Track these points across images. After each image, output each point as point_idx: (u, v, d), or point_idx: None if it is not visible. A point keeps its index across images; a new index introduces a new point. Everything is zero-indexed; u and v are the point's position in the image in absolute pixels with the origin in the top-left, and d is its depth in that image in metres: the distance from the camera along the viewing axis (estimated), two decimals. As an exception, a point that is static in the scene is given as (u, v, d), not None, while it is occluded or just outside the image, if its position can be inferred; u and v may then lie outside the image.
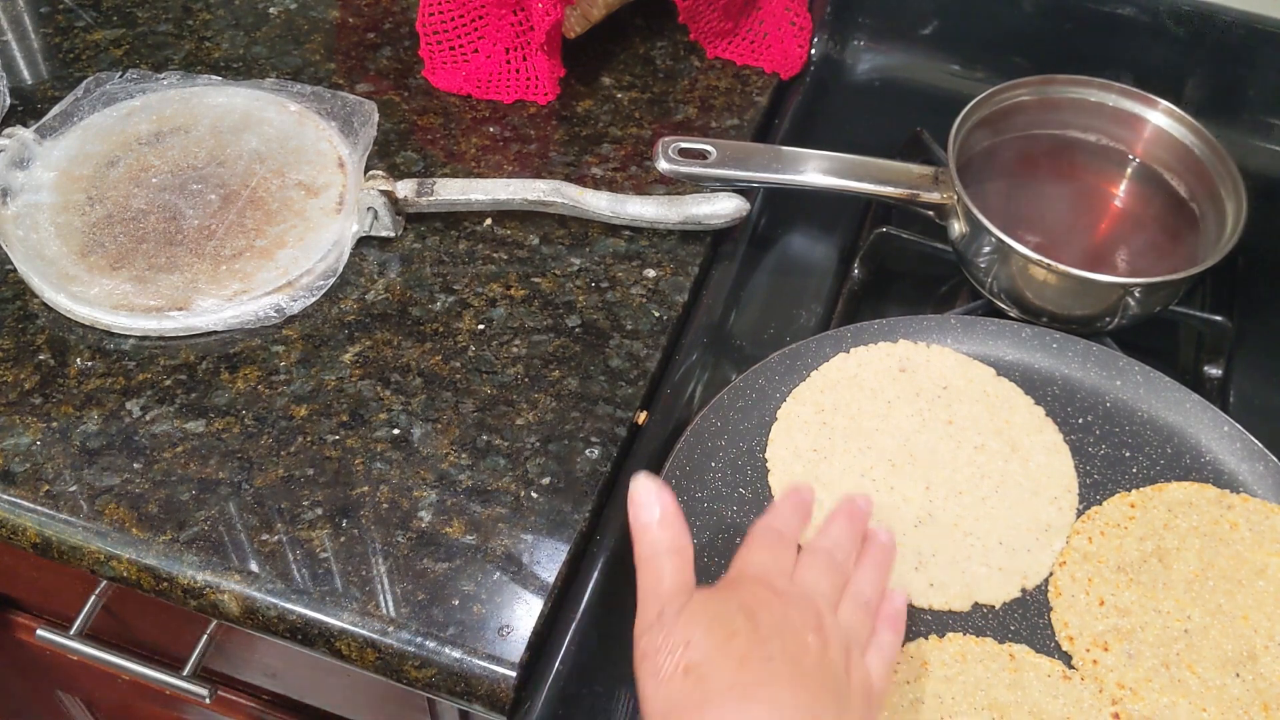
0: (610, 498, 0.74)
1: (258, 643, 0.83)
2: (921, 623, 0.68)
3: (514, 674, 0.65)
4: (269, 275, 0.81)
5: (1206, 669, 0.66)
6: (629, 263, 0.85)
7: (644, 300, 0.82)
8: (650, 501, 0.59)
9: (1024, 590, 0.70)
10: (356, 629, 0.67)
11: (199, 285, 0.80)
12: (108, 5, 1.02)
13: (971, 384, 0.79)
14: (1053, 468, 0.75)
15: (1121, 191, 0.90)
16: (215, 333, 0.79)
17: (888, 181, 0.86)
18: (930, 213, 0.86)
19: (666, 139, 0.85)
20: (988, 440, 0.76)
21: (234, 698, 0.94)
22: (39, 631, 0.84)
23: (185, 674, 0.82)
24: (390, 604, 0.67)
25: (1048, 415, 0.77)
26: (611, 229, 0.86)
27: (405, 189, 0.84)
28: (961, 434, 0.76)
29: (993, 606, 0.69)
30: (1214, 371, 0.86)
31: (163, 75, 0.94)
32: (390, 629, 0.67)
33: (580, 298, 0.82)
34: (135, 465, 0.73)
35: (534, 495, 0.72)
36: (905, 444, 0.76)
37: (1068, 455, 0.76)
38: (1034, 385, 0.79)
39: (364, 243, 0.85)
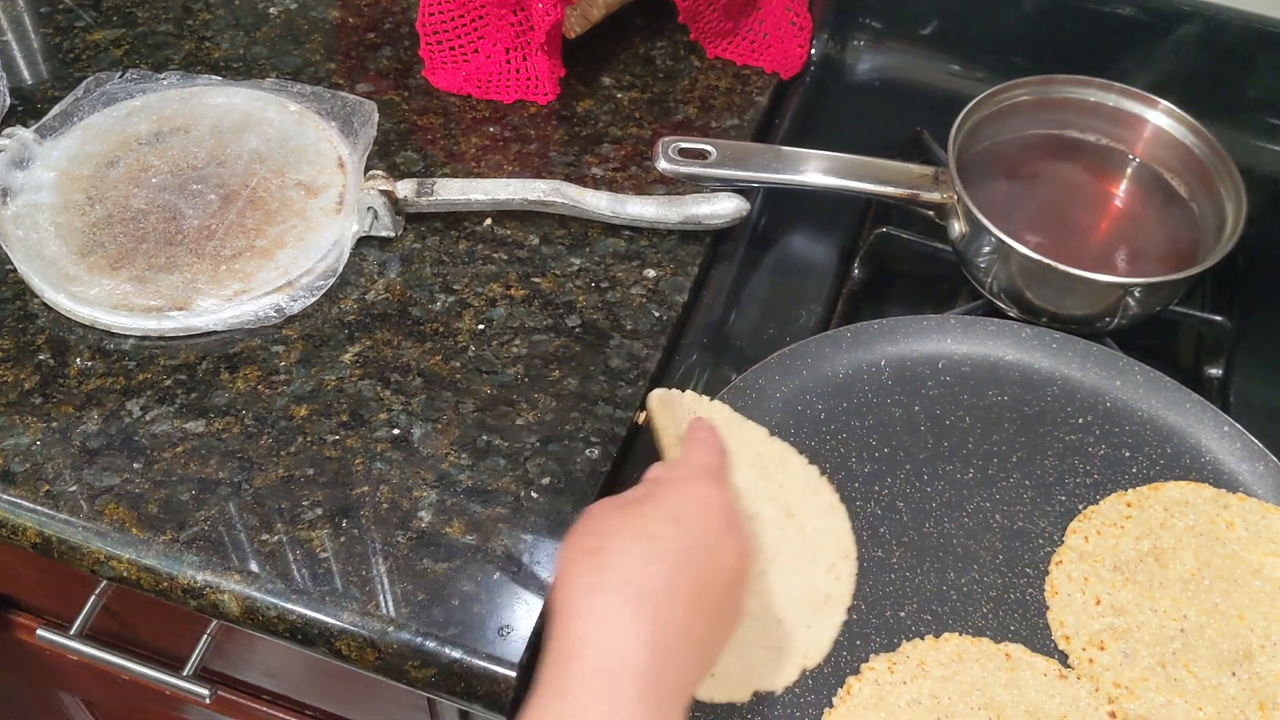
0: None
1: (258, 643, 0.83)
2: (921, 623, 0.68)
3: (514, 674, 0.66)
4: (269, 275, 0.81)
5: (1202, 668, 0.66)
6: (629, 263, 0.85)
7: (644, 300, 0.83)
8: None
9: (804, 671, 0.66)
10: (356, 629, 0.67)
11: (199, 285, 0.80)
12: (108, 5, 1.02)
13: (746, 446, 0.73)
14: (829, 531, 0.71)
15: (1121, 191, 0.90)
16: (215, 333, 0.79)
17: (888, 181, 0.86)
18: (930, 213, 0.86)
19: (666, 139, 0.85)
20: (762, 508, 0.71)
21: (234, 698, 0.94)
22: (39, 631, 0.84)
23: (185, 674, 0.82)
24: (390, 604, 0.67)
25: (822, 475, 0.73)
26: (611, 229, 0.86)
27: (405, 189, 0.84)
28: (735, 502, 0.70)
29: (773, 693, 0.65)
30: (1214, 371, 0.86)
31: (163, 75, 0.94)
32: (390, 629, 0.67)
33: (580, 298, 0.82)
34: (135, 465, 0.73)
35: (534, 495, 0.72)
36: None
37: (844, 517, 0.72)
38: (1034, 385, 0.79)
39: (364, 243, 0.85)
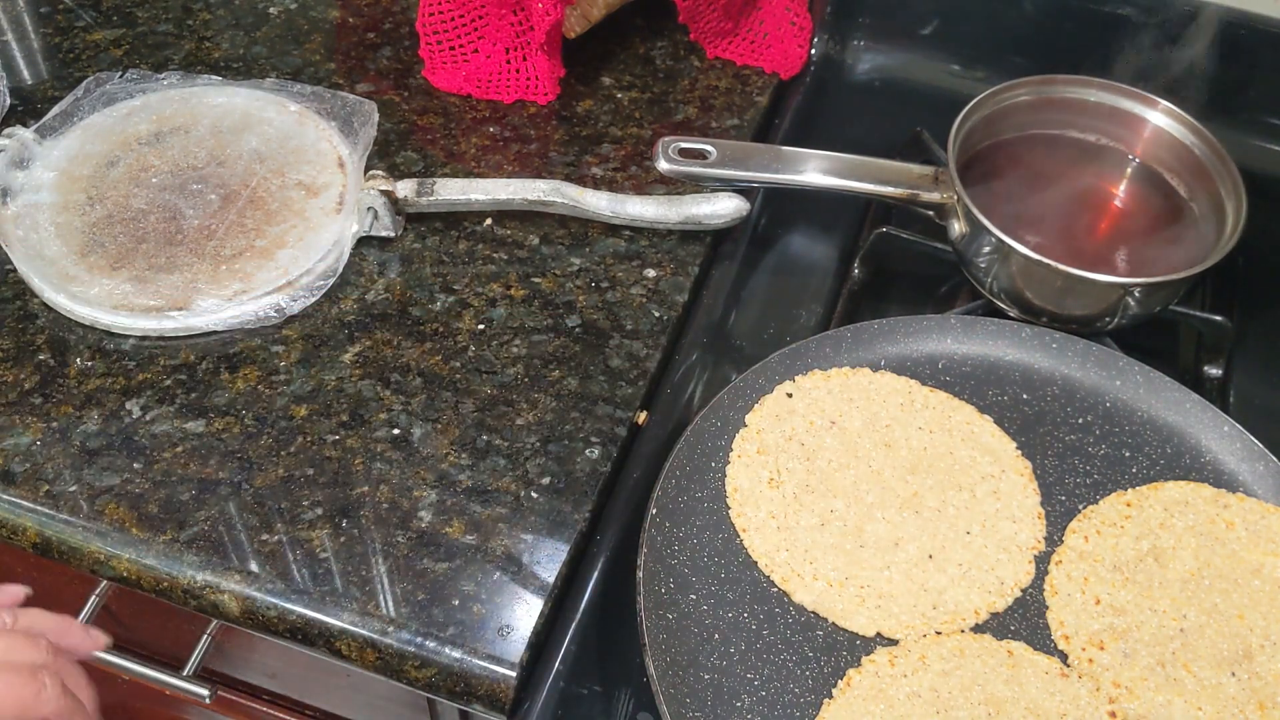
0: (610, 498, 0.74)
1: (258, 643, 0.83)
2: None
3: (514, 674, 0.66)
4: (269, 275, 0.81)
5: (1202, 668, 0.66)
6: (629, 263, 0.85)
7: (644, 300, 0.83)
8: None
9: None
10: (356, 629, 0.67)
11: (199, 285, 0.80)
12: (108, 5, 1.02)
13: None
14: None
15: (1121, 191, 0.90)
16: (215, 333, 0.79)
17: (888, 181, 0.86)
18: (930, 213, 0.86)
19: (666, 139, 0.85)
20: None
21: (234, 698, 0.94)
22: (39, 631, 0.84)
23: (185, 674, 0.82)
24: (390, 604, 0.67)
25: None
26: (611, 229, 0.86)
27: (405, 189, 0.84)
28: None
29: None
30: (1214, 371, 0.86)
31: (163, 75, 0.94)
32: (390, 629, 0.67)
33: (580, 298, 0.83)
34: (135, 465, 0.73)
35: (534, 495, 0.72)
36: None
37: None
38: (1034, 385, 0.79)
39: (364, 243, 0.85)
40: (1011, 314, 0.85)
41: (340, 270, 0.83)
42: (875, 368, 0.80)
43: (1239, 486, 0.74)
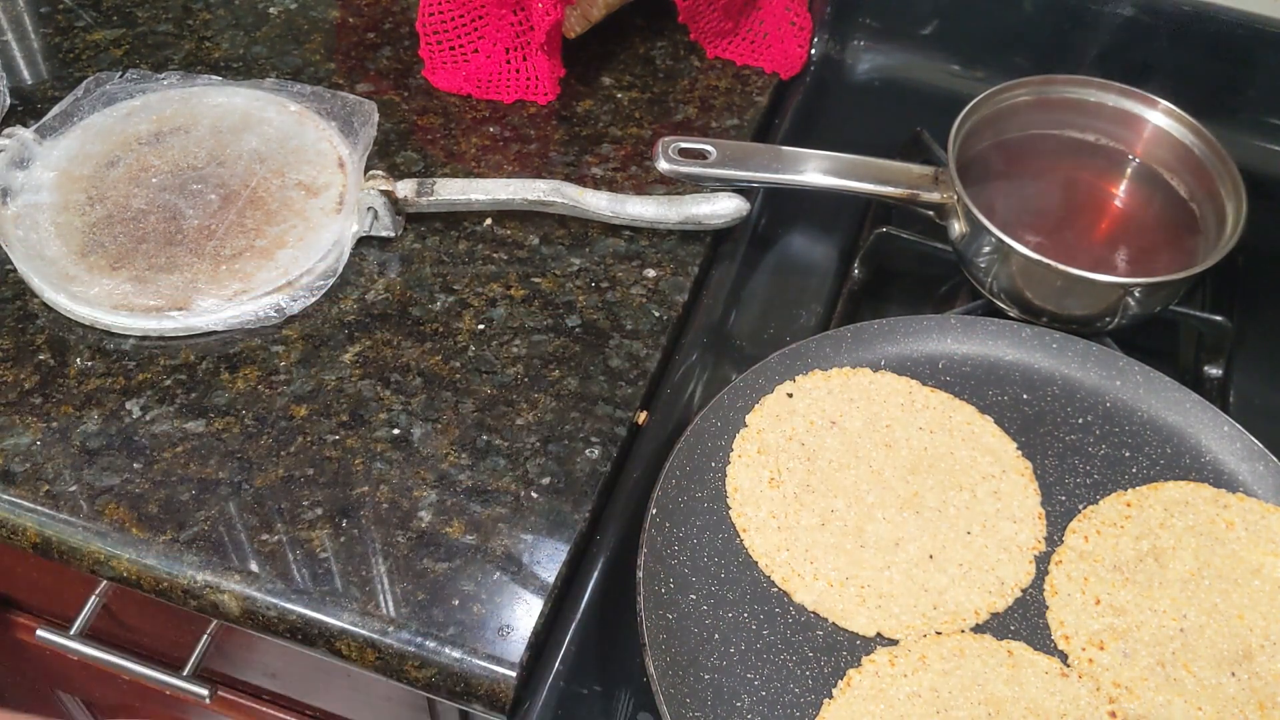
0: (610, 498, 0.74)
1: (258, 643, 0.83)
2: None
3: (514, 674, 0.66)
4: (269, 275, 0.81)
5: (1202, 668, 0.66)
6: (629, 263, 0.85)
7: (644, 300, 0.83)
8: None
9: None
10: (356, 629, 0.67)
11: (199, 285, 0.80)
12: (108, 5, 1.02)
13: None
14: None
15: (1121, 191, 0.90)
16: (215, 333, 0.79)
17: (888, 181, 0.86)
18: (930, 213, 0.86)
19: (666, 139, 0.85)
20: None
21: (234, 698, 0.94)
22: (39, 632, 0.84)
23: (185, 674, 0.82)
24: (390, 604, 0.67)
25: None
26: (611, 229, 0.86)
27: (405, 189, 0.84)
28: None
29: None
30: (1214, 371, 0.86)
31: (163, 75, 0.94)
32: (390, 629, 0.67)
33: (580, 298, 0.83)
34: (135, 465, 0.73)
35: (534, 495, 0.72)
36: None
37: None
38: (1034, 385, 0.79)
39: (364, 243, 0.85)
40: (1011, 314, 0.85)
41: (340, 270, 0.83)
42: (875, 368, 0.80)
43: (1239, 486, 0.74)
